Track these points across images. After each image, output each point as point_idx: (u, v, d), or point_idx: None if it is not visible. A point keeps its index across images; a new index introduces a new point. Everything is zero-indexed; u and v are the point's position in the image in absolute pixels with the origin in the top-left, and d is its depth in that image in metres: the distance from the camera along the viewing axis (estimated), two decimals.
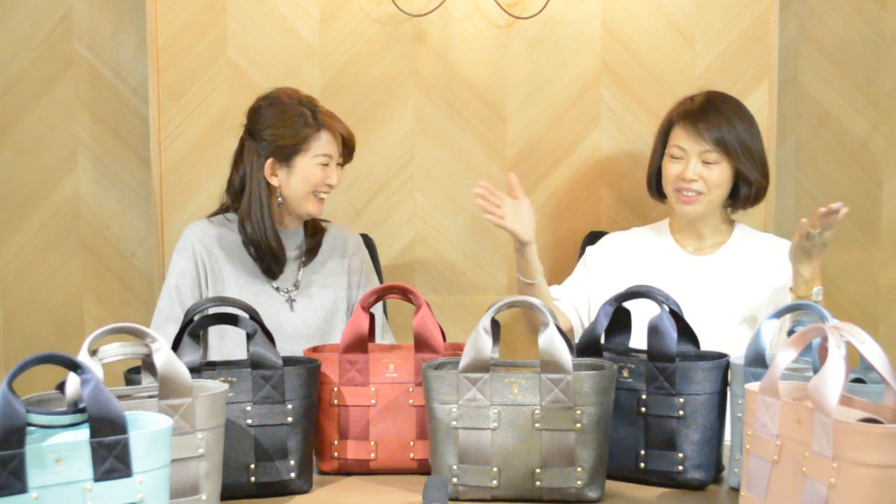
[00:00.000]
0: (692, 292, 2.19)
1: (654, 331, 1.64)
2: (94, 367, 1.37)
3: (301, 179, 2.25)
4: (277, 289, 2.30)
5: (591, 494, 1.57)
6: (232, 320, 1.67)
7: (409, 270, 2.85)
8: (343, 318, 2.35)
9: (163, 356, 1.42)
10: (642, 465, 1.66)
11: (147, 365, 1.53)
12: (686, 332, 1.70)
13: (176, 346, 1.63)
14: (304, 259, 2.35)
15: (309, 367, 1.66)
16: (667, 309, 1.67)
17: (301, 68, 2.79)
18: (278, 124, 2.24)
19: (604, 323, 1.72)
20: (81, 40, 2.90)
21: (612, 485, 1.65)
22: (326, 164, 2.26)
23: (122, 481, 1.23)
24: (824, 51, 2.95)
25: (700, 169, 2.20)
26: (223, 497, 1.52)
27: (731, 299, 2.23)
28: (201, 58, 2.78)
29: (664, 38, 2.79)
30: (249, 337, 1.64)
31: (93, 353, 1.41)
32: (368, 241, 2.64)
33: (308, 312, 2.30)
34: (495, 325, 1.64)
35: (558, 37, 2.79)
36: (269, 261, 2.28)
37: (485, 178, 2.81)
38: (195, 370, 1.58)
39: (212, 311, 1.74)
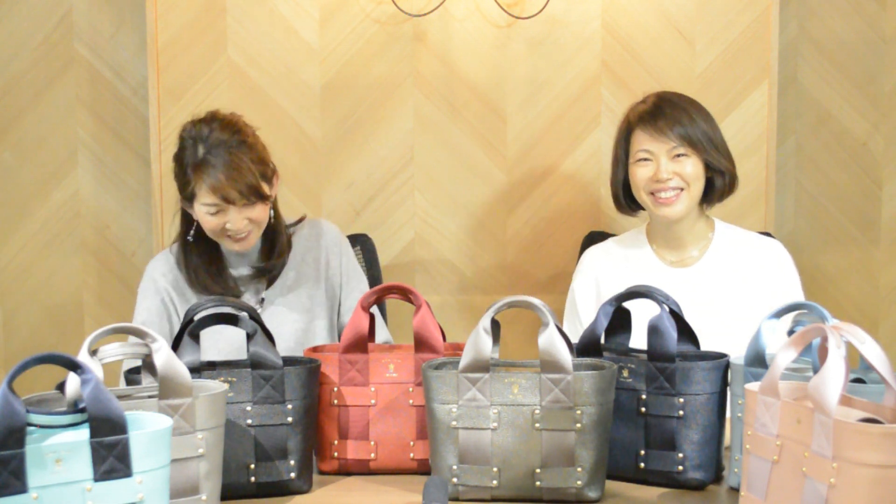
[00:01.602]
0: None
1: (654, 331, 1.64)
2: (94, 367, 1.36)
3: (202, 223, 2.10)
4: None
5: (591, 494, 1.56)
6: (232, 320, 1.67)
7: (409, 270, 2.85)
8: (325, 325, 2.24)
9: (163, 356, 1.42)
10: (642, 465, 1.66)
11: (147, 365, 1.53)
12: (686, 332, 1.69)
13: (176, 347, 1.63)
14: (265, 280, 2.20)
15: (309, 367, 1.66)
16: (667, 309, 1.67)
17: (301, 68, 2.79)
18: (174, 162, 2.11)
19: (604, 323, 1.71)
20: (81, 40, 2.90)
21: (612, 485, 1.65)
22: (216, 213, 2.05)
23: (122, 481, 1.23)
24: (824, 51, 2.96)
25: (672, 166, 2.13)
26: (223, 497, 1.52)
27: (719, 310, 2.17)
28: (201, 58, 2.78)
29: (664, 38, 2.79)
30: (249, 337, 1.64)
31: (93, 353, 1.41)
32: (368, 241, 2.63)
33: (279, 329, 2.11)
34: (495, 325, 1.64)
35: (558, 37, 2.79)
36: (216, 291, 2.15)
37: (485, 178, 2.83)
38: (195, 370, 1.58)
39: (212, 311, 1.74)
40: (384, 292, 1.82)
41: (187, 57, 2.77)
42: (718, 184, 2.18)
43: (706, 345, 1.73)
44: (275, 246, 2.20)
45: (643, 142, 2.16)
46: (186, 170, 2.05)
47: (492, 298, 2.68)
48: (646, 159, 2.16)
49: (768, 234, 2.59)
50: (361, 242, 2.63)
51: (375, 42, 2.79)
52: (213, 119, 2.10)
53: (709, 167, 2.16)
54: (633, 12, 2.78)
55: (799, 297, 2.20)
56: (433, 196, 2.83)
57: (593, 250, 2.36)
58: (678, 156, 2.13)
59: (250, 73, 2.79)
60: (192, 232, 2.15)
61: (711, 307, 2.17)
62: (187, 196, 2.08)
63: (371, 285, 2.56)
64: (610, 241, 2.38)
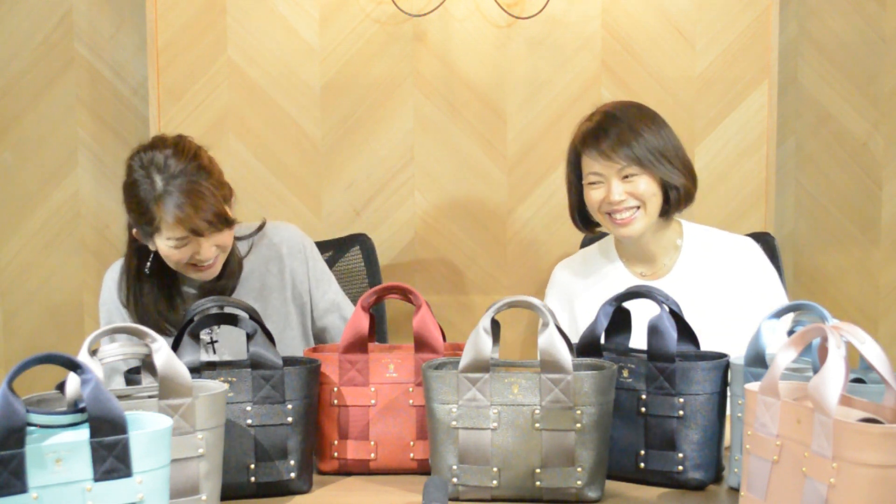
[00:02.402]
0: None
1: (654, 331, 1.64)
2: (94, 367, 1.37)
3: (165, 257, 1.98)
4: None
5: (591, 494, 1.56)
6: (232, 320, 1.67)
7: (409, 270, 2.85)
8: (297, 333, 2.19)
9: (163, 356, 1.42)
10: (642, 465, 1.66)
11: (147, 365, 1.53)
12: (686, 332, 1.69)
13: (176, 347, 1.63)
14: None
15: (309, 367, 1.66)
16: (667, 309, 1.67)
17: (301, 68, 2.79)
18: (127, 195, 1.97)
19: (604, 323, 1.71)
20: (81, 40, 2.90)
21: (612, 485, 1.65)
22: (183, 245, 1.94)
23: (122, 481, 1.23)
24: (824, 51, 2.96)
25: (624, 187, 2.05)
26: (223, 497, 1.52)
27: (698, 316, 2.04)
28: (201, 58, 2.78)
29: (664, 38, 2.79)
30: (249, 337, 1.64)
31: (93, 353, 1.41)
32: (368, 241, 2.63)
33: (240, 348, 2.00)
34: (495, 325, 1.64)
35: (558, 37, 2.79)
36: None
37: (485, 178, 2.83)
38: (195, 370, 1.58)
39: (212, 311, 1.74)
40: (384, 292, 1.82)
41: (187, 57, 2.77)
42: (673, 197, 2.09)
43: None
44: (226, 268, 2.08)
45: (591, 165, 2.08)
46: (147, 204, 1.91)
47: (492, 298, 2.69)
48: (597, 182, 2.09)
49: (768, 234, 2.59)
50: (361, 242, 2.63)
51: (375, 42, 2.79)
52: (163, 145, 1.95)
53: (662, 181, 2.08)
54: (633, 12, 2.78)
55: (779, 291, 2.17)
56: (433, 196, 2.83)
57: (564, 267, 2.30)
58: (628, 176, 2.05)
59: (250, 73, 2.79)
60: (148, 265, 2.03)
61: (689, 313, 2.11)
62: (149, 232, 1.95)
63: (371, 285, 2.57)
64: (580, 255, 2.33)
